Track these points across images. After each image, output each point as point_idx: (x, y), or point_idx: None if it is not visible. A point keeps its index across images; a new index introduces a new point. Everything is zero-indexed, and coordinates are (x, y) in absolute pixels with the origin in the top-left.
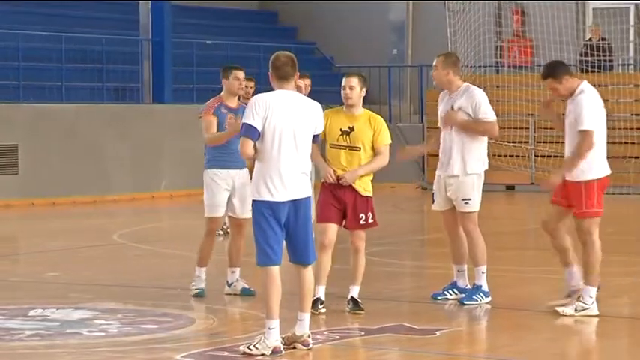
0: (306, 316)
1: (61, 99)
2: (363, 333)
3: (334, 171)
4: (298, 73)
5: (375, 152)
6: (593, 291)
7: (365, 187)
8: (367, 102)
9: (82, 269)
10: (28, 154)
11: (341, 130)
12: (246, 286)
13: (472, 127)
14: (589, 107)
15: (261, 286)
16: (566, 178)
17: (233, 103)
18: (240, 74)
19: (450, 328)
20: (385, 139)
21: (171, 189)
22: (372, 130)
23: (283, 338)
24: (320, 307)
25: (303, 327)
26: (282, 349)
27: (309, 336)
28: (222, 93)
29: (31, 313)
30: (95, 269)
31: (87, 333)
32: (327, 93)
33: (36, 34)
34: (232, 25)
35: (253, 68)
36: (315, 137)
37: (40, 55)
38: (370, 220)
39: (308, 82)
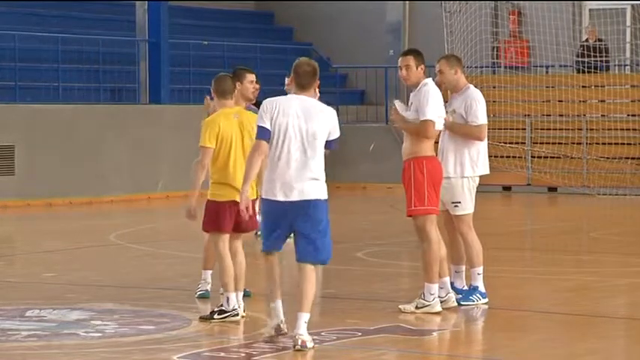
0: (301, 316)
1: (58, 99)
2: (359, 334)
3: None
4: (319, 81)
5: None
6: (434, 288)
7: None
8: (364, 102)
9: (79, 270)
10: (24, 155)
11: None
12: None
13: (455, 130)
14: (433, 99)
15: (264, 271)
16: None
17: (241, 105)
18: (254, 77)
19: (447, 329)
20: None
21: (167, 190)
22: None
23: (278, 328)
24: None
25: (297, 327)
26: (284, 328)
27: (300, 337)
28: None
29: (28, 313)
30: (92, 270)
31: (84, 334)
32: (323, 94)
33: (32, 35)
34: (229, 26)
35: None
36: (329, 143)
37: (37, 56)
38: None
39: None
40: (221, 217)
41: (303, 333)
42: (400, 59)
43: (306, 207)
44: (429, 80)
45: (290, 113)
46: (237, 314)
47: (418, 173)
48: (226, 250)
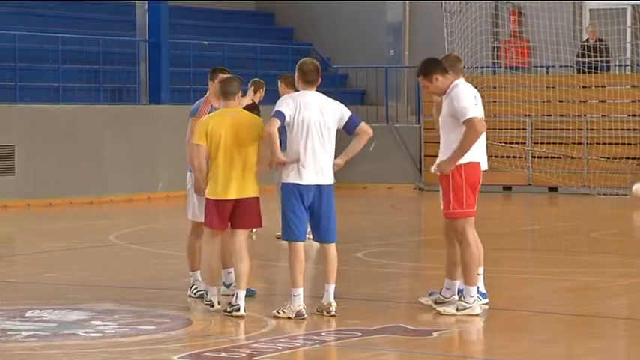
0: (331, 287)
1: (58, 100)
2: (359, 334)
3: None
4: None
5: None
6: (473, 290)
7: None
8: (365, 103)
9: (79, 270)
10: (24, 155)
11: None
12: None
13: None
14: (467, 97)
15: (287, 258)
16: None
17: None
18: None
19: (447, 329)
20: None
21: (167, 190)
22: None
23: (300, 312)
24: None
25: (328, 296)
26: (304, 312)
27: (333, 305)
28: (208, 94)
29: (28, 314)
30: (92, 270)
31: (84, 334)
32: (323, 94)
33: (33, 35)
34: (229, 26)
35: (250, 69)
36: (351, 123)
37: (37, 56)
38: None
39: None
40: (210, 214)
41: (333, 301)
42: None
43: (324, 191)
44: (459, 81)
45: (310, 108)
46: (213, 305)
47: (457, 176)
48: (214, 248)
